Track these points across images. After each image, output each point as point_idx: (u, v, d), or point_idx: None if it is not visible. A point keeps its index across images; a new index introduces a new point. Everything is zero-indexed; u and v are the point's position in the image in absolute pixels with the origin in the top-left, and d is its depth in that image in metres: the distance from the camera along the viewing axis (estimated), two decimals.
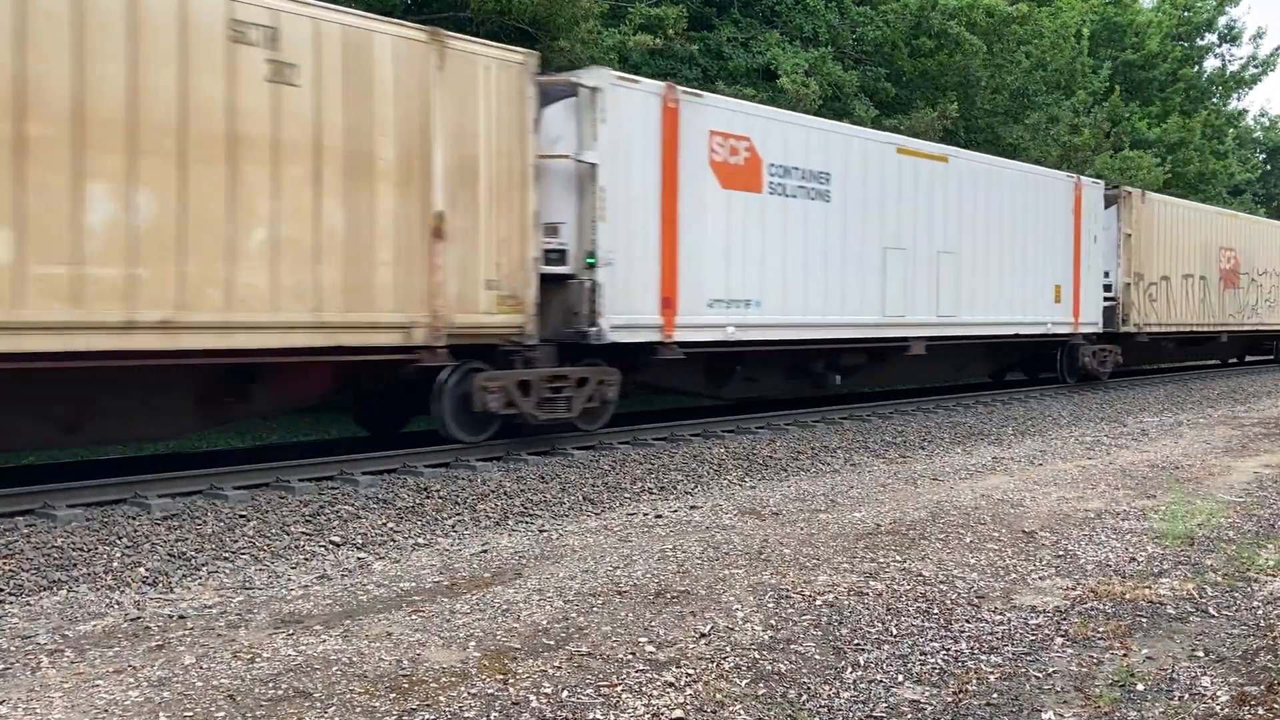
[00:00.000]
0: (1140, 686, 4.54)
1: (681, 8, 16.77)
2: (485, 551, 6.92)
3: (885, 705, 4.31)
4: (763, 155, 12.25)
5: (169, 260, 7.56)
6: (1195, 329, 22.64)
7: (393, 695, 4.29)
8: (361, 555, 6.89)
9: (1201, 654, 4.97)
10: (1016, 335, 16.82)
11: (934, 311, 14.81)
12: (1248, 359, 29.11)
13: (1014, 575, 6.30)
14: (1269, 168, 49.68)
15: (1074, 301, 18.06)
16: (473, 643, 4.95)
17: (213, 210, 7.77)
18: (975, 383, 19.40)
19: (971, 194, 15.62)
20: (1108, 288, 19.36)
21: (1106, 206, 19.36)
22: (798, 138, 12.79)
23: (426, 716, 4.10)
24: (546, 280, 10.21)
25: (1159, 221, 20.97)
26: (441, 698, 4.27)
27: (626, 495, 9.01)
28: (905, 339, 14.49)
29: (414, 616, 5.38)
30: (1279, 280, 27.23)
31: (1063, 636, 5.18)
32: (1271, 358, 28.92)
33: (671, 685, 4.45)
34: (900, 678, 4.61)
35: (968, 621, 5.38)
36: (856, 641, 5.05)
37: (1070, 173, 18.51)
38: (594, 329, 10.48)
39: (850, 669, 4.70)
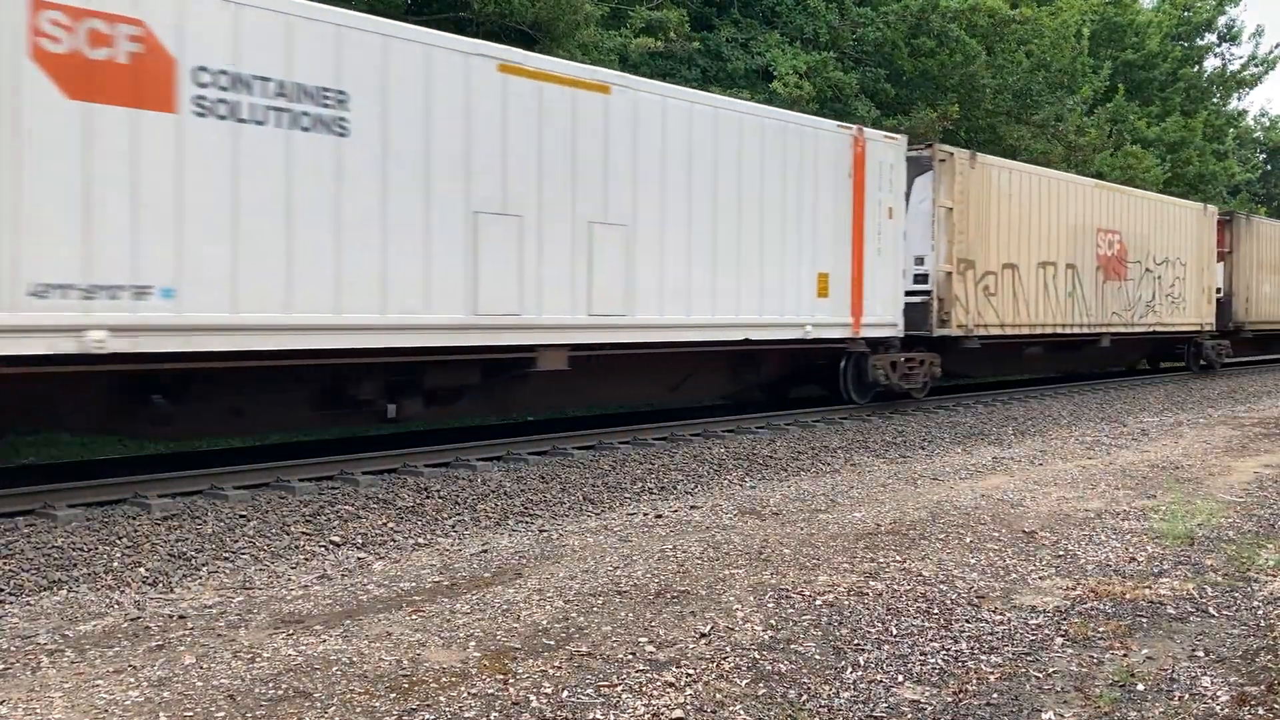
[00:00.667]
0: (1140, 686, 4.54)
1: (683, 11, 16.81)
2: (485, 551, 6.92)
3: (885, 705, 4.31)
4: (177, 53, 7.73)
5: None
6: (1061, 331, 17.94)
7: (393, 695, 4.29)
8: (361, 555, 6.89)
9: (1201, 654, 4.97)
10: (746, 342, 12.24)
11: (583, 308, 10.34)
12: (1163, 366, 24.40)
13: (1014, 575, 6.30)
14: (1269, 168, 49.70)
15: (852, 296, 13.46)
16: (473, 643, 4.95)
17: None
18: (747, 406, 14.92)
19: (658, 142, 11.05)
20: (923, 278, 14.99)
21: (919, 172, 14.97)
22: (269, 31, 8.19)
23: (426, 716, 4.10)
24: None
25: (999, 193, 16.15)
26: (441, 698, 4.27)
27: (626, 495, 9.01)
28: (528, 348, 10.03)
29: (414, 616, 5.38)
30: (1186, 271, 21.97)
31: (1063, 636, 5.18)
32: (1183, 365, 23.79)
33: (671, 685, 4.45)
34: (900, 678, 4.61)
35: (968, 621, 5.38)
36: (856, 641, 5.05)
37: (847, 123, 14.05)
38: None
39: (850, 669, 4.71)
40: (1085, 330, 18.67)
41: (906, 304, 14.47)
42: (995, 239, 16.08)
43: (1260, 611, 5.64)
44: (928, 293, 14.99)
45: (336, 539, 7.21)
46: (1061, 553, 6.83)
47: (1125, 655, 4.93)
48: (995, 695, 4.43)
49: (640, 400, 13.68)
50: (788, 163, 12.62)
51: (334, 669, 4.59)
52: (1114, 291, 19.38)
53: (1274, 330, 26.87)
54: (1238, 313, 24.37)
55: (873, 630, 5.21)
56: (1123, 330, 19.86)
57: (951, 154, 15.24)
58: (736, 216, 12.01)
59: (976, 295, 15.64)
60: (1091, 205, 18.69)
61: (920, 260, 15.00)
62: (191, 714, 4.09)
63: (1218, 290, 23.67)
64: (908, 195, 14.68)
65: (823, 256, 13.11)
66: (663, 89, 11.56)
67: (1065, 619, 5.45)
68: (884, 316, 14.05)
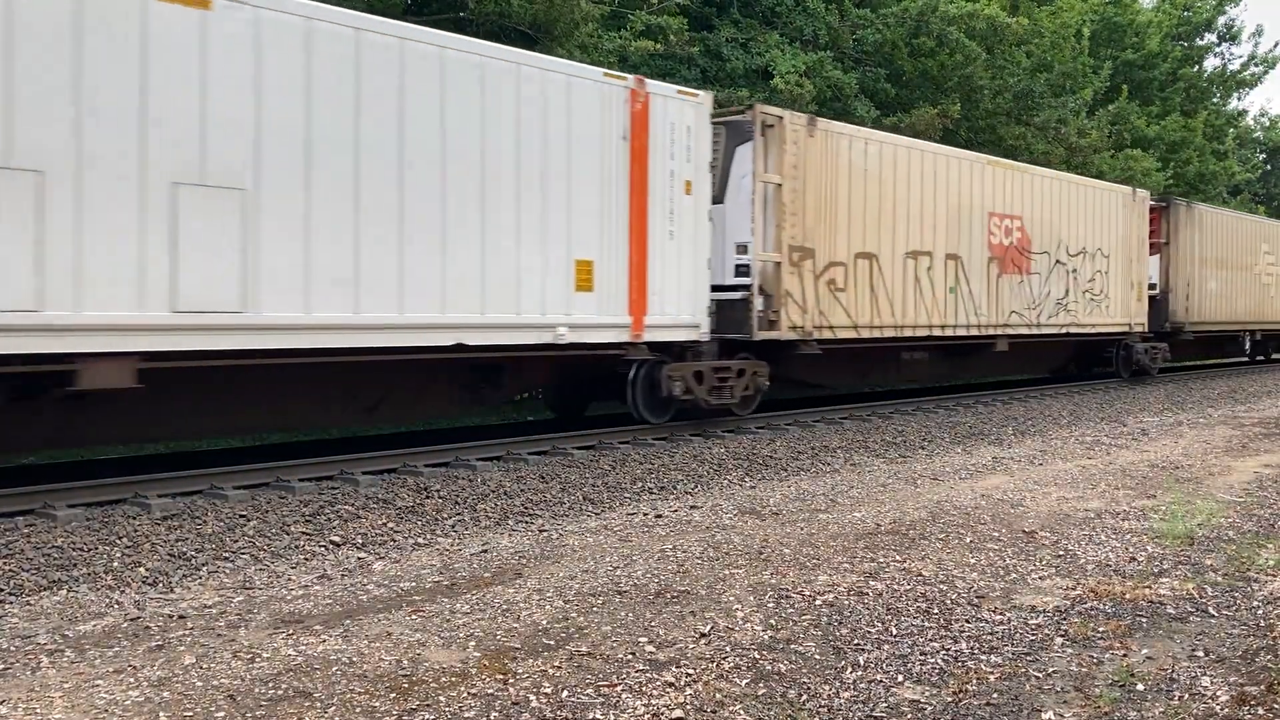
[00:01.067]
0: (1140, 686, 4.54)
1: (682, 19, 16.84)
2: (485, 551, 6.92)
3: (885, 705, 4.31)
4: None
5: None
6: (939, 333, 15.13)
7: (393, 695, 4.29)
8: (361, 555, 6.89)
9: (1201, 654, 4.97)
10: (459, 348, 9.47)
11: (162, 302, 7.69)
12: (1095, 371, 21.11)
13: (1014, 575, 6.30)
14: (1269, 168, 49.74)
15: (631, 290, 10.81)
16: (473, 643, 4.96)
17: None
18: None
19: (300, 80, 8.40)
20: (747, 269, 12.39)
21: (741, 141, 12.32)
22: None
23: (426, 716, 4.10)
24: None
25: (851, 168, 13.43)
26: (441, 698, 4.28)
27: (626, 495, 9.01)
28: (61, 358, 7.36)
29: (414, 616, 5.38)
30: (1109, 264, 19.10)
31: (1063, 636, 5.18)
32: (1112, 370, 20.68)
33: (671, 685, 4.45)
34: (900, 678, 4.61)
35: (968, 621, 5.38)
36: (856, 641, 5.05)
37: (620, 73, 11.19)
38: None
39: (850, 669, 4.71)
40: (974, 332, 15.72)
41: (724, 301, 12.13)
42: (847, 223, 13.39)
43: (1260, 611, 5.64)
44: (749, 287, 12.31)
45: (336, 539, 7.21)
46: (1061, 553, 6.83)
47: (1125, 655, 4.93)
48: (995, 695, 4.43)
49: (309, 426, 10.71)
50: (524, 118, 9.83)
51: (334, 669, 4.59)
52: (1013, 287, 16.56)
53: (1221, 332, 23.96)
54: (1176, 312, 21.79)
55: (873, 630, 5.21)
56: (1025, 332, 17.00)
57: (780, 118, 12.49)
58: (439, 184, 9.25)
59: (818, 291, 12.98)
60: (981, 186, 15.76)
61: (744, 248, 12.29)
62: (191, 714, 4.09)
63: (1151, 286, 21.10)
64: (727, 168, 12.30)
65: (584, 239, 10.40)
66: (307, 8, 8.52)
67: (1065, 619, 5.45)
68: (680, 316, 11.37)
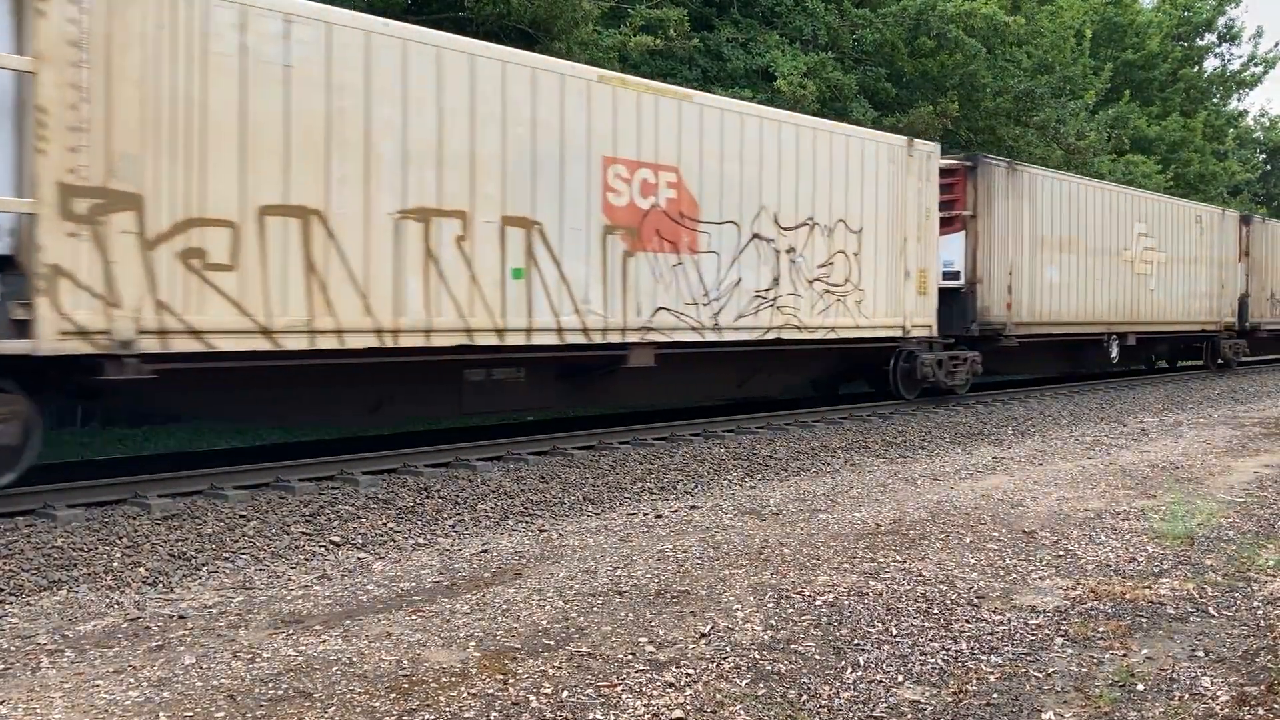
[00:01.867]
0: (1140, 686, 4.54)
1: (683, 10, 16.80)
2: (485, 551, 6.92)
3: (885, 705, 4.31)
4: None
5: None
6: (493, 340, 9.71)
7: (393, 695, 4.29)
8: (361, 555, 6.89)
9: (1201, 654, 4.97)
10: None
11: None
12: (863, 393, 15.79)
13: (1014, 575, 6.30)
14: (1269, 168, 49.74)
15: None
16: (473, 643, 4.96)
17: None
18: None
19: None
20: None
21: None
22: None
23: (426, 716, 4.10)
24: None
25: (240, 59, 8.03)
26: (441, 698, 4.28)
27: (626, 495, 9.01)
28: None
29: (414, 616, 5.38)
30: (863, 243, 13.68)
31: (1063, 636, 5.18)
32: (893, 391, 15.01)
33: (671, 685, 4.45)
34: (900, 678, 4.61)
35: (968, 621, 5.38)
36: (856, 641, 5.05)
37: None
38: None
39: (850, 669, 4.71)
40: (576, 339, 10.42)
41: None
42: (237, 155, 8.02)
43: (1260, 611, 5.64)
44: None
45: (336, 539, 7.21)
46: (1061, 553, 6.83)
47: (1125, 655, 4.93)
48: (995, 695, 4.43)
49: None
50: None
51: (334, 669, 4.59)
52: (659, 273, 11.16)
53: (1072, 335, 18.57)
54: (990, 309, 16.23)
55: (873, 630, 5.21)
56: (689, 339, 11.56)
57: None
58: None
59: (155, 269, 7.68)
60: (588, 116, 10.49)
61: None
62: (191, 714, 4.09)
63: (953, 274, 15.89)
64: None
65: None
66: None
67: (1065, 619, 5.45)
68: None
